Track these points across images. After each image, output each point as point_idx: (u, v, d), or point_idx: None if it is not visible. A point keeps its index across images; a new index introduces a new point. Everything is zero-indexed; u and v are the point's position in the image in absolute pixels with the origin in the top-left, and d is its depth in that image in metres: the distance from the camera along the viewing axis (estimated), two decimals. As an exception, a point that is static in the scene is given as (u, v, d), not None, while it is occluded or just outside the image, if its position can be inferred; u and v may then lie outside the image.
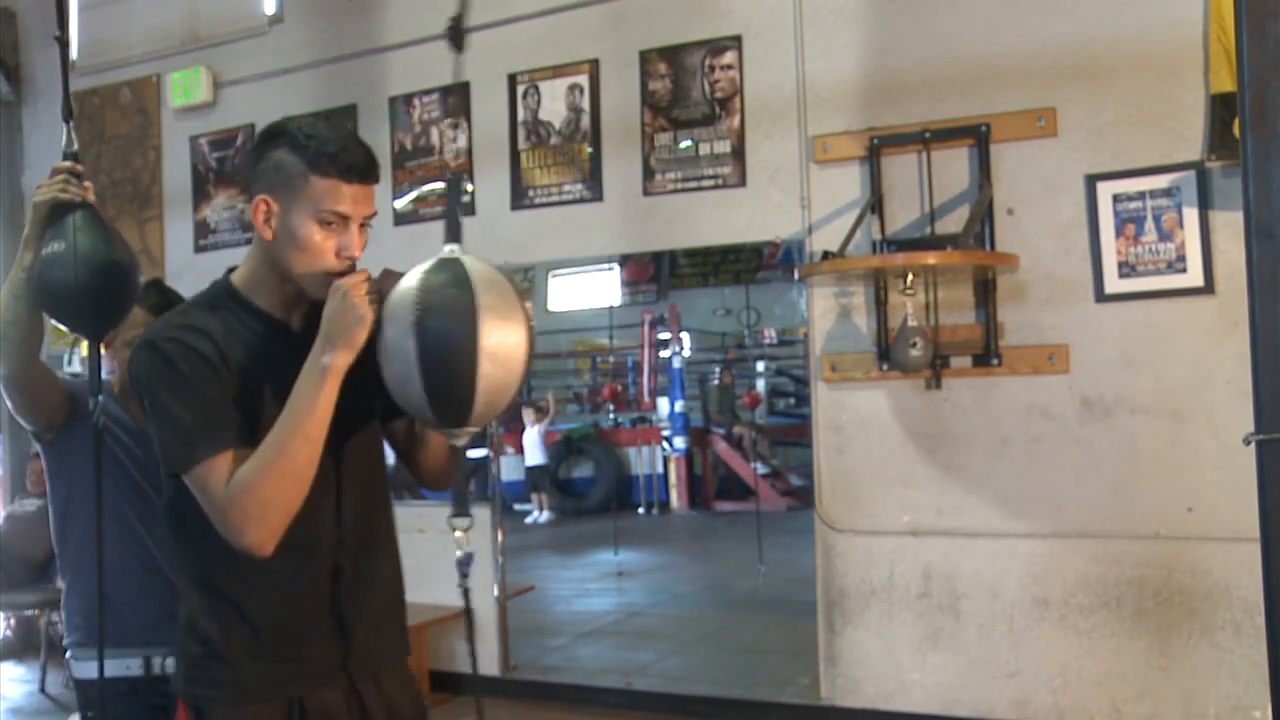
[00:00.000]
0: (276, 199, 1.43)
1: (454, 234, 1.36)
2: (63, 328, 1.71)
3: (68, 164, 1.65)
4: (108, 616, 1.82)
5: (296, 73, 4.82)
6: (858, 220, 3.62)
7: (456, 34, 1.38)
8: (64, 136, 1.65)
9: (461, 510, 1.48)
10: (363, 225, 1.46)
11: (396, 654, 1.64)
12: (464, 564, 1.47)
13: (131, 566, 2.03)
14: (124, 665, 2.01)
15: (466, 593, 1.48)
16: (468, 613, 1.52)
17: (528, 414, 9.52)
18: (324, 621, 1.51)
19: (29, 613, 5.03)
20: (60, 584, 2.14)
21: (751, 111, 3.93)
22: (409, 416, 1.51)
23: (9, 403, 1.88)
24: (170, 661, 2.04)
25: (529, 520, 9.52)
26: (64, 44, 1.73)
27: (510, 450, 9.38)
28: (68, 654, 2.08)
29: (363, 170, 1.43)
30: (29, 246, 1.66)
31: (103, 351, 2.06)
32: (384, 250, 5.12)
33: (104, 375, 1.93)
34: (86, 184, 1.66)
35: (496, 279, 1.32)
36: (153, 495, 2.06)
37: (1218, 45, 3.21)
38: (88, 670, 2.00)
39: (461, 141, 4.49)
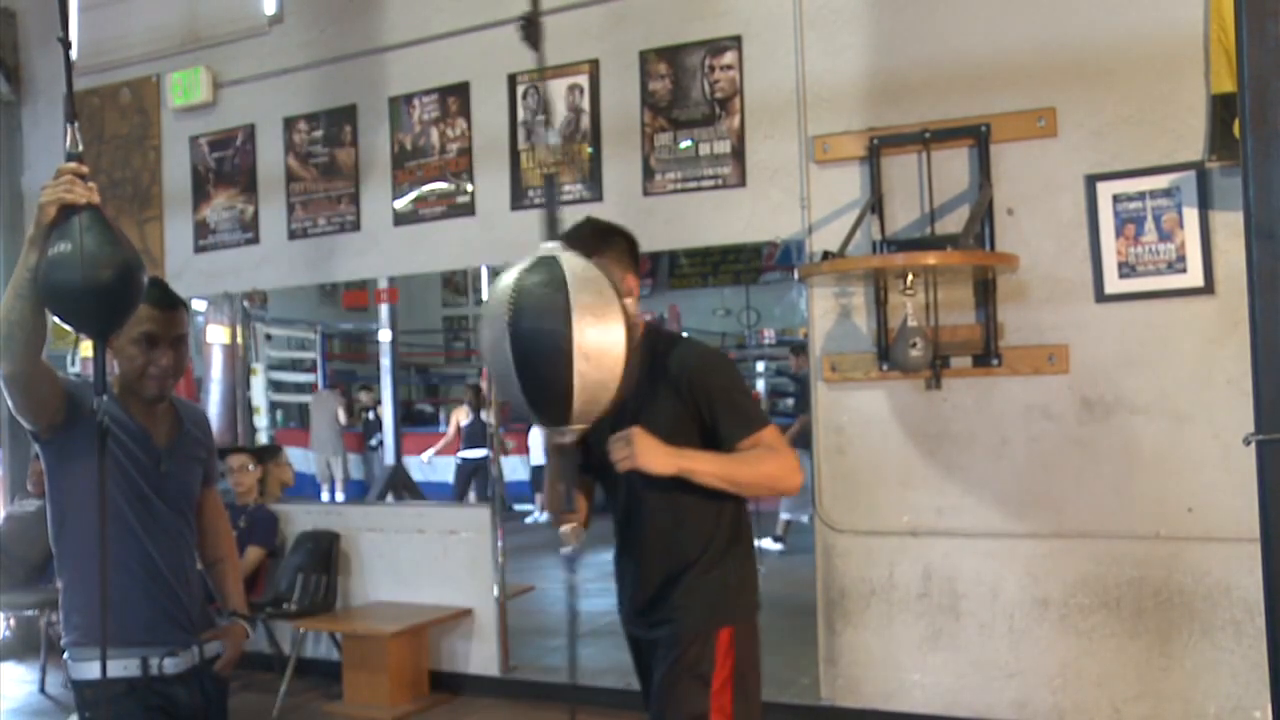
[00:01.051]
0: None
1: (551, 231, 1.43)
2: (67, 327, 1.70)
3: (73, 165, 1.64)
4: (105, 617, 1.81)
5: (296, 73, 4.82)
6: (858, 220, 3.62)
7: (532, 30, 1.43)
8: (68, 137, 1.64)
9: (568, 507, 1.65)
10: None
11: (669, 626, 1.94)
12: (570, 560, 1.61)
13: (130, 567, 2.01)
14: (121, 666, 1.99)
15: (571, 588, 1.69)
16: (571, 611, 1.75)
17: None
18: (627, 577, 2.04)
19: (29, 613, 5.03)
20: (59, 584, 2.13)
21: (751, 111, 3.93)
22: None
23: (10, 402, 1.87)
24: (168, 661, 2.04)
25: (529, 520, 9.52)
26: (67, 45, 1.71)
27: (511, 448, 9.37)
28: (65, 654, 2.07)
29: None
30: (34, 247, 1.65)
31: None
32: (384, 250, 5.12)
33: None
34: (91, 184, 1.65)
35: (592, 276, 1.39)
36: (152, 496, 2.05)
37: (1218, 45, 3.21)
38: (85, 671, 1.98)
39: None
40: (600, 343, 1.35)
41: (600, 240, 1.92)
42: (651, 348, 1.94)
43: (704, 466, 1.86)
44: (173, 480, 2.09)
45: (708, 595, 1.93)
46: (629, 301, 1.82)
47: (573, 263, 1.39)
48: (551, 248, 1.39)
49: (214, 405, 5.36)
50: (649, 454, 1.80)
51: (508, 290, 1.33)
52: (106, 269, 1.59)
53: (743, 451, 1.89)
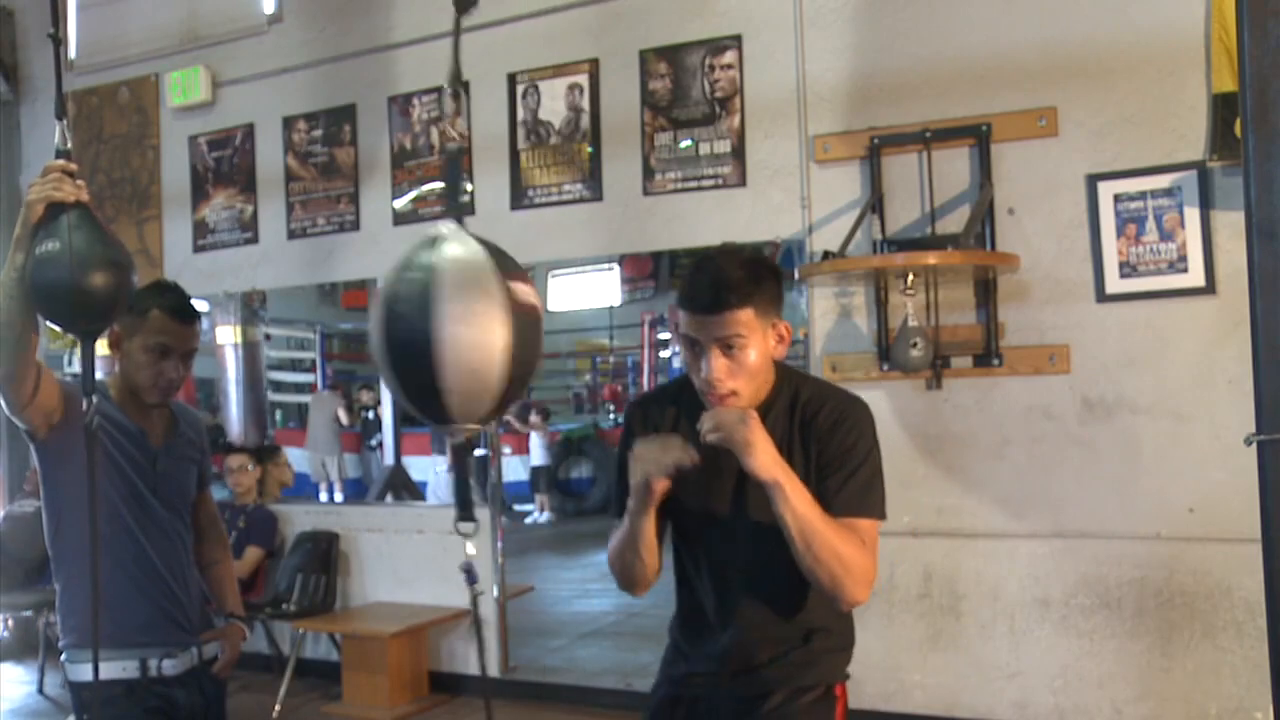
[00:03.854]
0: None
1: (452, 207, 1.34)
2: (55, 327, 1.69)
3: (60, 162, 1.63)
4: (103, 618, 1.80)
5: (295, 72, 4.80)
6: (858, 220, 3.61)
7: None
8: (57, 134, 1.64)
9: (466, 515, 1.48)
10: (725, 348, 1.58)
11: (776, 684, 1.73)
12: (469, 572, 1.48)
13: (127, 567, 2.01)
14: (120, 667, 1.98)
15: (475, 600, 1.52)
16: (476, 619, 1.57)
17: (533, 415, 9.51)
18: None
19: (27, 613, 5.02)
20: (56, 586, 2.12)
21: (751, 111, 3.92)
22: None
23: (3, 403, 1.86)
24: (167, 663, 2.03)
25: (529, 520, 9.51)
26: (57, 42, 1.71)
27: (509, 449, 9.37)
28: (63, 656, 2.06)
29: (698, 302, 1.58)
30: (20, 246, 1.64)
31: (107, 352, 2.04)
32: (384, 250, 5.12)
33: (101, 376, 1.91)
34: (80, 182, 1.64)
35: (473, 263, 1.27)
36: (148, 496, 2.04)
37: (1219, 45, 3.19)
38: (83, 672, 1.97)
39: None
40: (469, 339, 1.24)
41: (755, 282, 1.59)
42: (791, 394, 1.68)
43: (796, 496, 1.53)
44: (169, 480, 2.09)
45: (828, 651, 1.75)
46: (779, 349, 1.64)
47: (457, 247, 1.29)
48: (443, 228, 1.31)
49: (234, 407, 5.25)
50: (757, 446, 1.50)
51: (386, 280, 1.26)
52: (96, 268, 1.57)
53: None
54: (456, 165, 1.38)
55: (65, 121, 1.65)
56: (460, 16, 1.38)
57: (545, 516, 9.63)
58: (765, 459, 1.52)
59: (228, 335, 5.23)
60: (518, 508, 9.46)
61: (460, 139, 1.35)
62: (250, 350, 5.26)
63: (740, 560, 1.71)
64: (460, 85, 1.42)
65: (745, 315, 1.57)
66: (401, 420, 8.02)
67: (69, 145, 1.65)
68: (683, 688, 1.78)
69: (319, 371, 9.75)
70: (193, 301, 2.11)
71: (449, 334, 1.22)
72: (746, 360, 1.59)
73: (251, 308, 5.16)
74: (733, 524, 1.68)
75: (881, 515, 1.64)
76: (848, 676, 1.79)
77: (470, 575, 1.45)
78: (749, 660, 1.72)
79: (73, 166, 1.64)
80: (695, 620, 1.78)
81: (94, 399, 1.61)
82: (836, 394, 1.71)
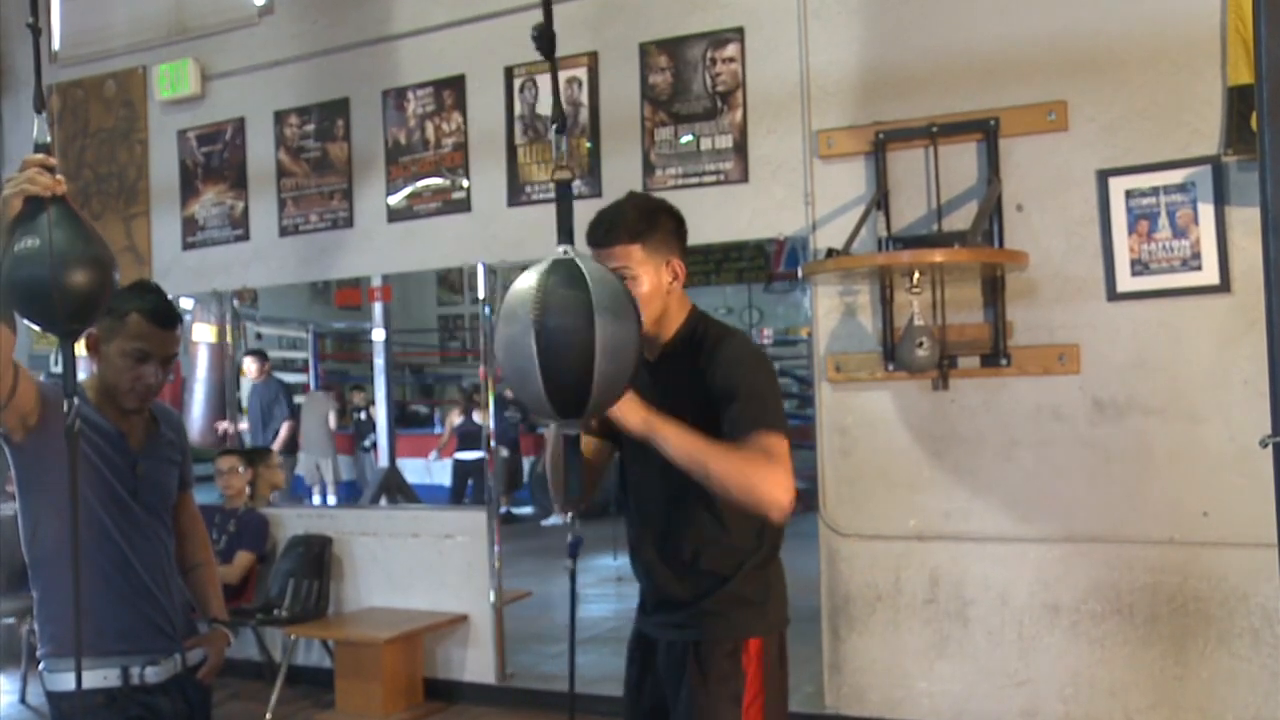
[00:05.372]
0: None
1: (565, 235, 1.46)
2: (34, 327, 1.62)
3: (39, 156, 1.58)
4: (82, 625, 1.73)
5: (287, 65, 4.73)
6: (863, 217, 3.55)
7: (545, 41, 1.49)
8: (35, 128, 1.59)
9: (576, 493, 1.63)
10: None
11: (693, 632, 1.86)
12: (573, 547, 1.61)
13: (107, 572, 1.95)
14: (100, 676, 1.93)
15: (573, 574, 1.63)
16: (573, 594, 1.66)
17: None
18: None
19: (8, 620, 4.92)
20: (34, 594, 2.05)
21: (754, 105, 3.85)
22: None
23: None
24: (149, 670, 1.97)
25: (546, 524, 9.34)
26: (36, 32, 1.66)
27: (504, 451, 9.28)
28: (41, 665, 1.99)
29: (593, 238, 1.81)
30: None
31: (84, 354, 1.97)
32: (378, 247, 5.02)
33: (81, 377, 1.83)
34: (59, 177, 1.58)
35: (608, 278, 1.44)
36: (128, 499, 1.99)
37: (1236, 36, 3.13)
38: (61, 682, 1.92)
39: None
40: (617, 340, 1.39)
41: (646, 221, 1.80)
42: (691, 332, 1.86)
43: (675, 439, 1.66)
44: (150, 482, 2.04)
45: (739, 606, 1.86)
46: (675, 284, 1.84)
47: (589, 264, 1.45)
48: (565, 250, 1.45)
49: (198, 405, 5.26)
50: (622, 411, 1.64)
51: (531, 289, 1.41)
52: (77, 266, 1.52)
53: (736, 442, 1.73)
54: (568, 197, 1.50)
55: (44, 114, 1.60)
56: (552, 61, 1.48)
57: (557, 520, 9.44)
58: (632, 418, 1.65)
59: (204, 334, 5.18)
60: (515, 511, 9.36)
61: (570, 172, 1.48)
62: (226, 350, 5.22)
63: (655, 495, 1.86)
64: (564, 122, 1.51)
65: (634, 250, 1.77)
66: (395, 421, 7.94)
67: (49, 139, 1.61)
68: (639, 622, 1.97)
69: (311, 372, 9.66)
70: (175, 304, 2.05)
71: (499, 351, 1.45)
72: (637, 290, 1.73)
73: (234, 308, 5.09)
74: (648, 461, 1.75)
75: (779, 427, 1.73)
76: (764, 633, 1.87)
77: (572, 550, 1.60)
78: (664, 597, 1.90)
79: (52, 161, 1.59)
80: (633, 554, 1.95)
81: (74, 400, 1.54)
82: (727, 334, 1.87)
